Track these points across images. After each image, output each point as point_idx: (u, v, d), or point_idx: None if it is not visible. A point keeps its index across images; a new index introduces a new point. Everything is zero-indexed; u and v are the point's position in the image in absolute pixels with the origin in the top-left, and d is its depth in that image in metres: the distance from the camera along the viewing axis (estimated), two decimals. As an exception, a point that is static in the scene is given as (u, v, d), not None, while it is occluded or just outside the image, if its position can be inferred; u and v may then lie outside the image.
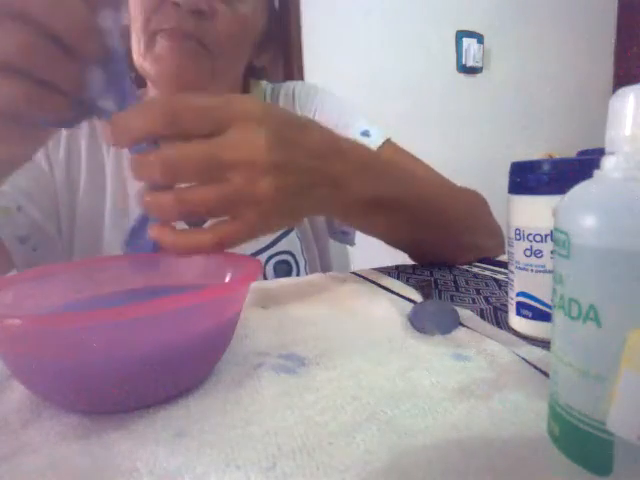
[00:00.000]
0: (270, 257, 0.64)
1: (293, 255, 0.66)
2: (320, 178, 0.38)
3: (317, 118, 0.42)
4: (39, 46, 0.28)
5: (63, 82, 0.30)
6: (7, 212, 0.55)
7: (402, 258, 0.62)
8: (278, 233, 0.65)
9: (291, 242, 0.66)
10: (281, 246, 0.65)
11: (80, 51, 0.30)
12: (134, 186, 0.63)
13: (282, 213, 0.36)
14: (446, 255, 0.57)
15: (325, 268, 0.73)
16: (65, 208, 0.62)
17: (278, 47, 0.70)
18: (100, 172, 0.63)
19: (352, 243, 0.76)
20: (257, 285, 0.47)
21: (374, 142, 0.62)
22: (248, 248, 0.63)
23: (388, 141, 0.64)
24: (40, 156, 0.61)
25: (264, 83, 0.72)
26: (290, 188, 0.35)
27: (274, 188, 0.33)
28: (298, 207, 0.38)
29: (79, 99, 0.31)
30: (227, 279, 0.33)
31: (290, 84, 0.72)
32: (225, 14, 0.54)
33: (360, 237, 0.74)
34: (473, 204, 0.59)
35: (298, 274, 0.65)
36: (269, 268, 0.64)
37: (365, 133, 0.63)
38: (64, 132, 0.62)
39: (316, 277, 0.51)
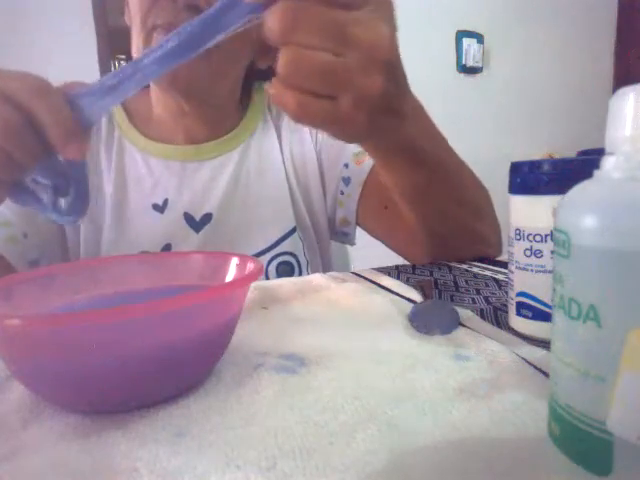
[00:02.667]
0: (273, 258, 0.64)
1: (295, 256, 0.66)
2: (398, 105, 0.37)
3: None
4: (20, 129, 0.32)
5: (27, 163, 0.33)
6: (14, 241, 0.56)
7: (402, 258, 0.62)
8: (281, 234, 0.65)
9: (293, 243, 0.66)
10: (284, 247, 0.65)
11: (53, 146, 0.33)
12: (135, 191, 0.63)
13: (368, 118, 0.34)
14: (453, 241, 0.57)
15: (326, 268, 0.73)
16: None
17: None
18: (99, 178, 0.63)
19: (352, 243, 0.76)
20: (257, 285, 0.47)
21: None
22: (249, 249, 0.63)
23: None
24: None
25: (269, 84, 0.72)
26: (390, 97, 0.34)
27: (384, 87, 0.32)
28: (374, 123, 0.36)
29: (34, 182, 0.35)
30: (227, 279, 0.33)
31: None
32: None
33: (360, 237, 0.74)
34: (486, 196, 0.60)
35: (300, 275, 0.65)
36: (272, 269, 0.64)
37: None
38: None
39: (316, 277, 0.51)
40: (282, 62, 0.31)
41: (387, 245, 0.66)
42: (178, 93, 0.60)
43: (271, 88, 0.33)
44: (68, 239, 0.62)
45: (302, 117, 0.34)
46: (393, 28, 0.33)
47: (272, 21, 0.30)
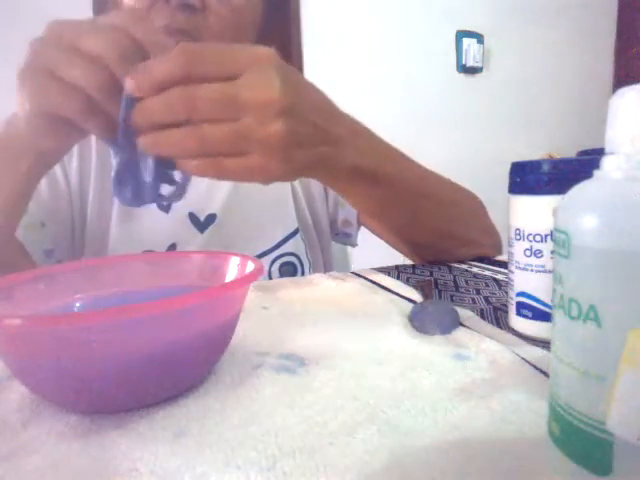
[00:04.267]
0: (276, 259, 0.65)
1: (298, 257, 0.66)
2: (322, 136, 0.40)
3: None
4: (106, 82, 0.34)
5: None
6: (33, 228, 0.58)
7: (402, 258, 0.62)
8: (284, 235, 0.65)
9: (296, 244, 0.66)
10: (287, 248, 0.65)
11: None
12: None
13: (284, 160, 0.37)
14: (440, 246, 0.57)
15: (328, 269, 0.73)
16: (78, 216, 0.63)
17: (278, 42, 0.70)
18: (108, 176, 0.63)
19: (354, 244, 0.76)
20: (257, 285, 0.47)
21: None
22: (253, 249, 0.63)
23: None
24: (57, 169, 0.62)
25: None
26: (297, 136, 0.37)
27: (284, 131, 0.35)
28: (299, 159, 0.39)
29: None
30: (227, 279, 0.33)
31: None
32: (217, 6, 0.53)
33: (360, 237, 0.74)
34: (469, 200, 0.60)
35: (303, 275, 0.66)
36: (275, 270, 0.64)
37: None
38: None
39: (316, 277, 0.51)
40: (188, 142, 0.35)
41: (391, 245, 0.67)
42: None
43: (185, 166, 0.37)
44: (75, 231, 0.63)
45: (223, 177, 0.38)
46: (282, 77, 0.35)
47: (172, 105, 0.34)
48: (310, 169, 0.42)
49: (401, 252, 0.65)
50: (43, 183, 0.61)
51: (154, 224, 0.62)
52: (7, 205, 0.45)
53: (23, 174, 0.44)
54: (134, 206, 0.39)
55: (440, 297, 0.43)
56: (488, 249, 0.60)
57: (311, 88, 0.40)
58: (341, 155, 0.42)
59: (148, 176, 0.37)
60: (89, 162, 0.64)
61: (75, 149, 0.63)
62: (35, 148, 0.41)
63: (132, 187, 0.38)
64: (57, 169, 0.62)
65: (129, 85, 0.34)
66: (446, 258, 0.58)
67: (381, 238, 0.67)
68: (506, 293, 0.38)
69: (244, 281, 0.28)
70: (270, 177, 0.39)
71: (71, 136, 0.39)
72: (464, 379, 0.26)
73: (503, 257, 0.59)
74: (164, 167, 0.37)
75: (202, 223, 0.64)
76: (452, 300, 0.42)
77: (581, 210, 0.16)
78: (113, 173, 0.38)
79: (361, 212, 0.59)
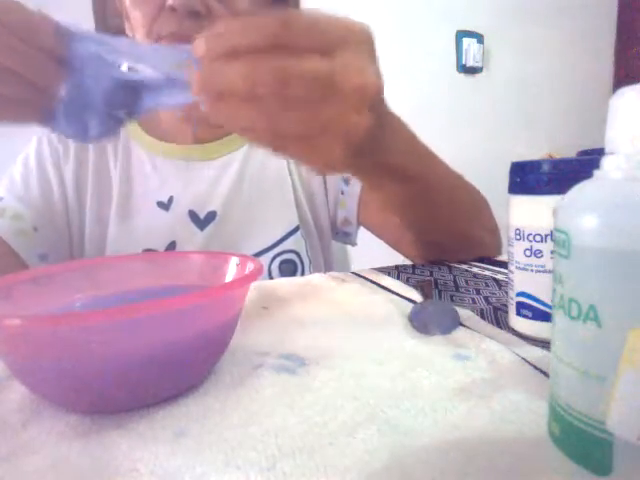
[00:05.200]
0: (276, 256, 0.65)
1: (298, 254, 0.66)
2: (379, 132, 0.37)
3: None
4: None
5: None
6: (24, 234, 0.57)
7: (402, 258, 0.62)
8: (284, 233, 0.66)
9: (296, 241, 0.66)
10: (287, 245, 0.65)
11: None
12: (141, 188, 0.63)
13: (352, 153, 0.35)
14: (449, 246, 0.57)
15: (328, 267, 0.73)
16: (75, 219, 0.63)
17: None
18: (106, 175, 0.64)
19: (354, 243, 0.76)
20: (257, 285, 0.47)
21: None
22: (253, 247, 0.63)
23: None
24: (50, 173, 0.62)
25: None
26: (374, 130, 0.34)
27: (369, 124, 0.33)
28: (361, 152, 0.36)
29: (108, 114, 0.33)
30: (227, 279, 0.33)
31: None
32: (221, 12, 0.54)
33: (360, 237, 0.74)
34: (480, 201, 0.60)
35: (303, 273, 0.66)
36: (275, 267, 0.64)
37: None
38: (73, 141, 0.63)
39: (316, 277, 0.51)
40: (262, 119, 0.31)
41: (390, 245, 0.67)
42: None
43: (247, 136, 0.33)
44: (73, 236, 0.63)
45: (280, 154, 0.34)
46: (377, 65, 0.33)
47: (263, 76, 0.30)
48: (358, 162, 0.40)
49: (401, 253, 0.65)
50: (35, 187, 0.61)
51: (153, 222, 0.63)
52: None
53: None
54: (77, 141, 0.35)
55: (440, 297, 0.43)
56: (491, 249, 0.60)
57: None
58: (380, 150, 0.41)
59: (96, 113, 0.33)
60: (86, 164, 0.64)
61: (72, 152, 0.63)
62: None
63: (76, 120, 0.34)
64: (51, 174, 0.62)
65: (198, 47, 0.30)
66: (451, 258, 0.58)
67: (381, 238, 0.67)
68: (506, 293, 0.38)
69: (244, 281, 0.28)
70: (331, 166, 0.36)
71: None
72: (464, 379, 0.26)
73: (503, 257, 0.59)
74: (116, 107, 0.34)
75: (202, 221, 0.64)
76: (452, 300, 0.42)
77: (581, 210, 0.16)
78: (60, 104, 0.33)
79: (384, 207, 0.57)
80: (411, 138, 0.47)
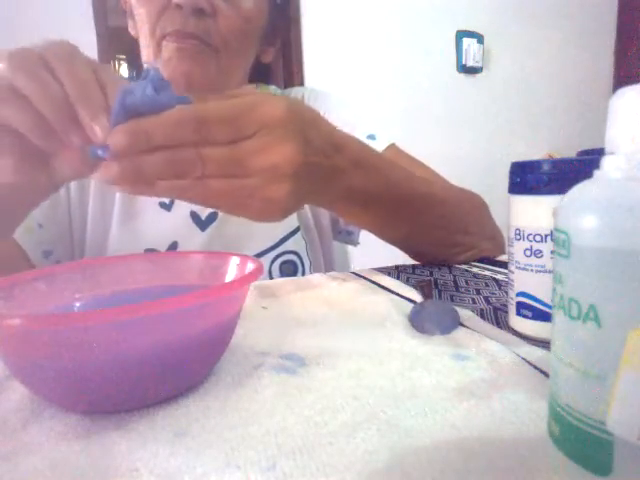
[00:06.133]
0: (276, 257, 0.65)
1: (299, 255, 0.66)
2: (323, 172, 0.39)
3: None
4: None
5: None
6: (30, 230, 0.58)
7: (402, 258, 0.62)
8: (284, 233, 0.66)
9: (297, 242, 0.66)
10: (287, 246, 0.65)
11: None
12: None
13: (284, 210, 0.38)
14: (442, 254, 0.57)
15: (329, 268, 0.73)
16: (78, 216, 0.63)
17: (282, 40, 0.71)
18: None
19: (356, 243, 0.76)
20: (257, 285, 0.47)
21: (378, 146, 0.62)
22: (254, 248, 0.63)
23: (392, 145, 0.64)
24: None
25: (273, 88, 0.73)
26: (301, 191, 0.37)
27: (289, 192, 0.36)
28: (298, 206, 0.40)
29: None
30: (227, 279, 0.33)
31: (299, 89, 0.73)
32: (226, 11, 0.55)
33: (360, 237, 0.74)
34: (472, 206, 0.60)
35: (304, 274, 0.66)
36: (275, 268, 0.64)
37: (370, 137, 0.64)
38: None
39: (316, 277, 0.51)
40: (193, 192, 0.34)
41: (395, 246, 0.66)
42: (193, 92, 0.60)
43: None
44: (75, 234, 0.63)
45: (224, 212, 0.38)
46: (295, 136, 0.35)
47: (178, 164, 0.33)
48: (307, 200, 0.43)
49: (404, 251, 0.65)
50: None
51: (155, 222, 0.63)
52: None
53: None
54: None
55: (440, 297, 0.43)
56: (490, 251, 0.60)
57: (316, 124, 0.39)
58: (340, 184, 0.42)
59: None
60: None
61: None
62: None
63: None
64: None
65: (117, 141, 0.31)
66: (449, 262, 0.58)
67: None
68: (506, 293, 0.38)
69: (244, 281, 0.28)
70: (267, 221, 0.40)
71: (25, 172, 0.35)
72: (464, 379, 0.26)
73: (503, 257, 0.59)
74: None
75: (203, 221, 0.64)
76: (452, 300, 0.42)
77: (581, 210, 0.16)
78: None
79: (363, 228, 0.58)
80: (376, 166, 0.47)
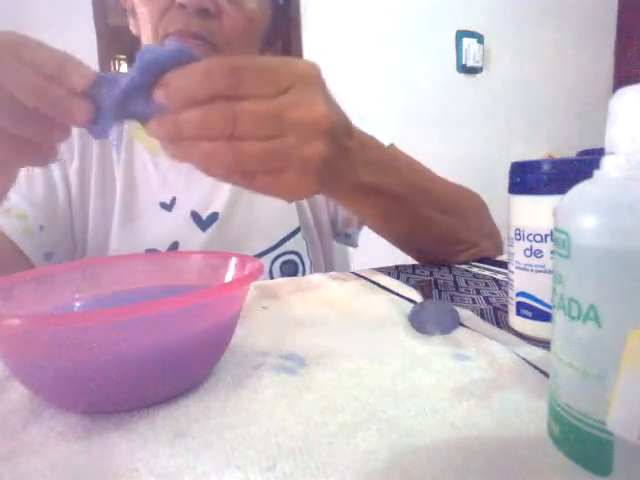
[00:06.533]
0: (277, 257, 0.65)
1: (300, 255, 0.66)
2: (341, 152, 0.39)
3: None
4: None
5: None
6: (31, 232, 0.58)
7: (402, 258, 0.62)
8: (285, 234, 0.66)
9: (297, 243, 0.66)
10: (288, 246, 0.65)
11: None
12: (144, 189, 0.63)
13: (316, 180, 0.37)
14: (444, 251, 0.57)
15: (329, 268, 0.73)
16: (79, 217, 0.63)
17: (283, 40, 0.71)
18: (110, 176, 0.64)
19: (355, 245, 0.76)
20: (257, 285, 0.47)
21: None
22: (254, 248, 0.63)
23: (392, 145, 0.64)
24: (55, 171, 0.62)
25: None
26: (332, 156, 0.36)
27: (325, 151, 0.35)
28: (327, 178, 0.38)
29: (102, 111, 0.32)
30: (227, 279, 0.33)
31: None
32: (230, 11, 0.54)
33: (361, 237, 0.74)
34: (471, 203, 0.60)
35: (304, 274, 0.66)
36: (276, 268, 0.65)
37: None
38: (77, 143, 0.63)
39: (316, 277, 0.51)
40: (226, 158, 0.33)
41: (395, 245, 0.66)
42: None
43: (214, 175, 0.36)
44: (76, 235, 0.63)
45: (252, 189, 0.37)
46: (326, 97, 0.35)
47: (212, 121, 0.32)
48: (328, 186, 0.42)
49: (404, 251, 0.65)
50: (40, 186, 0.61)
51: (156, 223, 0.63)
52: None
53: None
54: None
55: (440, 297, 0.43)
56: (490, 250, 0.60)
57: (338, 106, 0.40)
58: (350, 169, 0.42)
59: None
60: (90, 163, 0.64)
61: (76, 151, 0.63)
62: None
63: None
64: (55, 171, 0.62)
65: (159, 96, 0.32)
66: (449, 261, 0.58)
67: (382, 237, 0.67)
68: (506, 293, 0.38)
69: (244, 281, 0.28)
70: (299, 195, 0.39)
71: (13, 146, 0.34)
72: (464, 379, 0.26)
73: (503, 257, 0.59)
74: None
75: (204, 222, 0.64)
76: (452, 300, 0.42)
77: (581, 210, 0.16)
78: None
79: (366, 222, 0.59)
80: (380, 151, 0.48)
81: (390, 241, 0.62)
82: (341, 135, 0.38)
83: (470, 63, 2.30)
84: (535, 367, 0.27)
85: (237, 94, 0.32)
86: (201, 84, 0.32)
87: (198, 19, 0.52)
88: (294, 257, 0.66)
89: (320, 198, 0.70)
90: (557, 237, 0.17)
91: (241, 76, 0.32)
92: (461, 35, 2.28)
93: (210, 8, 0.52)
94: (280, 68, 0.34)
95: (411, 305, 0.38)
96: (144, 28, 0.56)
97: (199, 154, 0.33)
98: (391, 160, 0.49)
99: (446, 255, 0.57)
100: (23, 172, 0.63)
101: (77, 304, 0.33)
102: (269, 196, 0.38)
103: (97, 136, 0.34)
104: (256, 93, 0.33)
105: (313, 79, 0.35)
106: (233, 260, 0.33)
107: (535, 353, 0.29)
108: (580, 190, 0.17)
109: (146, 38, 0.56)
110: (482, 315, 0.37)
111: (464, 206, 0.58)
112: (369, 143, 0.46)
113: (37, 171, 0.62)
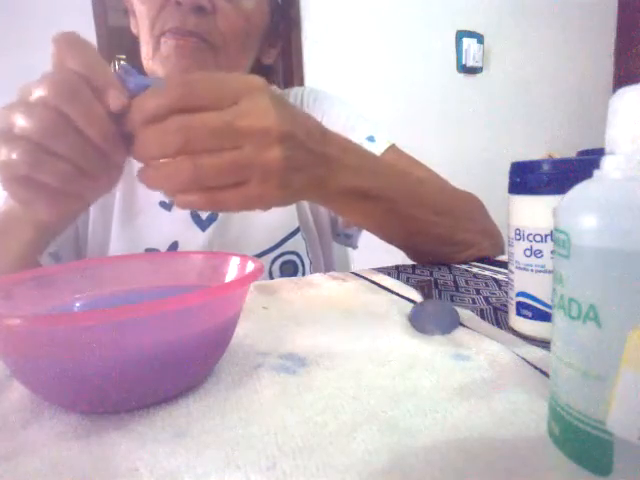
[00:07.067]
0: (277, 257, 0.65)
1: (299, 255, 0.66)
2: (316, 159, 0.40)
3: (324, 122, 0.43)
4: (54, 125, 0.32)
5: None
6: None
7: (402, 258, 0.62)
8: (285, 234, 0.66)
9: (297, 243, 0.66)
10: (287, 247, 0.65)
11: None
12: (143, 188, 0.63)
13: (282, 186, 0.37)
14: (443, 252, 0.57)
15: (329, 268, 0.73)
16: (80, 221, 0.63)
17: (284, 42, 0.71)
18: None
19: (355, 246, 0.76)
20: (257, 285, 0.47)
21: (378, 147, 0.62)
22: (254, 248, 0.63)
23: (392, 146, 0.64)
24: None
25: (273, 88, 0.73)
26: (295, 161, 0.37)
27: (284, 157, 0.35)
28: (296, 184, 0.39)
29: None
30: (227, 279, 0.33)
31: (299, 89, 0.73)
32: (226, 9, 0.54)
33: (361, 237, 0.74)
34: (468, 205, 0.60)
35: (304, 274, 0.66)
36: (276, 268, 0.65)
37: (370, 139, 0.64)
38: None
39: (316, 277, 0.51)
40: (185, 175, 0.34)
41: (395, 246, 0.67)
42: None
43: (182, 202, 0.36)
44: (79, 234, 0.63)
45: (221, 209, 0.38)
46: (278, 105, 0.36)
47: (167, 136, 0.33)
48: (305, 192, 0.43)
49: (404, 251, 0.65)
50: None
51: (156, 222, 0.63)
52: (18, 265, 0.46)
53: (27, 243, 0.44)
54: None
55: (440, 297, 0.43)
56: (490, 250, 0.60)
57: (301, 113, 0.40)
58: (334, 175, 0.42)
59: None
60: None
61: None
62: (31, 219, 0.41)
63: None
64: None
65: (128, 120, 0.33)
66: (448, 262, 0.58)
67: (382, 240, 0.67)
68: (506, 293, 0.38)
69: (244, 281, 0.28)
70: (268, 204, 0.39)
71: (63, 201, 0.36)
72: (464, 379, 0.26)
73: (503, 257, 0.59)
74: None
75: (204, 221, 0.64)
76: (452, 300, 0.42)
77: (581, 210, 0.16)
78: None
79: (360, 227, 0.58)
80: (367, 158, 0.48)
81: (388, 243, 0.62)
82: (308, 141, 0.38)
83: (470, 63, 2.31)
84: (535, 367, 0.27)
85: (188, 109, 0.33)
86: (155, 104, 0.33)
87: (194, 16, 0.52)
88: (294, 257, 0.66)
89: None
90: (557, 237, 0.17)
91: (191, 92, 0.33)
92: (461, 35, 2.28)
93: (205, 5, 0.52)
94: (228, 81, 0.35)
95: (411, 305, 0.38)
96: (142, 26, 0.56)
97: (161, 175, 0.35)
98: (379, 165, 0.49)
99: (444, 256, 0.57)
100: None
101: (77, 304, 0.33)
102: (240, 211, 0.39)
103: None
104: (205, 107, 0.34)
105: (259, 88, 0.36)
106: (233, 260, 0.33)
107: (535, 353, 0.29)
108: (580, 190, 0.17)
109: (144, 36, 0.56)
110: (482, 315, 0.37)
111: (460, 207, 0.58)
112: (352, 148, 0.46)
113: None
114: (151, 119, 0.33)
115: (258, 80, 0.36)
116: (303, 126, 0.38)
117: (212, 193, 0.36)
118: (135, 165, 0.68)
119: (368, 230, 0.56)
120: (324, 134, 0.42)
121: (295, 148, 0.37)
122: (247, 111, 0.34)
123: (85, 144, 0.33)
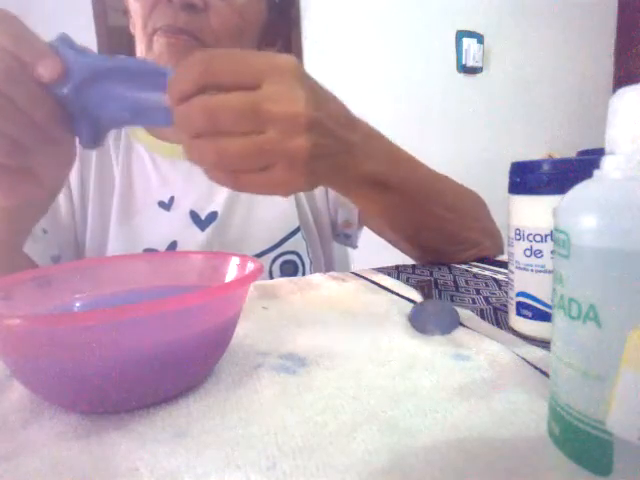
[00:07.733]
0: (277, 257, 0.65)
1: (299, 255, 0.66)
2: (341, 145, 0.39)
3: None
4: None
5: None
6: (35, 238, 0.58)
7: (402, 258, 0.62)
8: (285, 233, 0.66)
9: (297, 242, 0.66)
10: (287, 246, 0.65)
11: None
12: (142, 188, 0.64)
13: (307, 173, 0.36)
14: (449, 250, 0.57)
15: (329, 268, 0.73)
16: (79, 217, 0.63)
17: (283, 41, 0.71)
18: (109, 176, 0.64)
19: (354, 246, 0.76)
20: (257, 285, 0.47)
21: None
22: (254, 248, 0.63)
23: None
24: None
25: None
26: (322, 148, 0.36)
27: (309, 145, 0.34)
28: (320, 170, 0.38)
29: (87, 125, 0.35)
30: (227, 279, 0.33)
31: None
32: (219, 6, 0.54)
33: (361, 237, 0.74)
34: (473, 202, 0.60)
35: (304, 274, 0.66)
36: (276, 268, 0.64)
37: None
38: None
39: (316, 277, 0.51)
40: (210, 156, 0.34)
41: (392, 244, 0.67)
42: None
43: (210, 176, 0.36)
44: (78, 235, 0.63)
45: (243, 190, 0.37)
46: (307, 90, 0.35)
47: (190, 120, 0.33)
48: (327, 178, 0.42)
49: (403, 251, 0.65)
50: None
51: (154, 222, 0.63)
52: None
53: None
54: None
55: (440, 297, 0.43)
56: (490, 250, 0.60)
57: (329, 97, 0.39)
58: (356, 162, 0.42)
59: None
60: (89, 163, 0.64)
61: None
62: None
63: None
64: None
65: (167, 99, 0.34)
66: (450, 261, 0.58)
67: (383, 237, 0.67)
68: (506, 293, 0.38)
69: (244, 281, 0.28)
70: (292, 190, 0.38)
71: (14, 180, 0.35)
72: (464, 379, 0.26)
73: (503, 257, 0.59)
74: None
75: (203, 221, 0.64)
76: (452, 300, 0.42)
77: (581, 210, 0.16)
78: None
79: (372, 217, 0.58)
80: (386, 145, 0.47)
81: (393, 240, 0.62)
82: (335, 127, 0.38)
83: (470, 63, 2.31)
84: (535, 367, 0.27)
85: (212, 82, 0.32)
86: (187, 80, 0.32)
87: (185, 14, 0.52)
88: (294, 257, 0.66)
89: (320, 198, 0.70)
90: (557, 237, 0.17)
91: (215, 68, 0.32)
92: (461, 35, 2.28)
93: (197, 3, 0.51)
94: (255, 59, 0.34)
95: (411, 305, 0.38)
96: (136, 24, 0.56)
97: (190, 151, 0.34)
98: (400, 153, 0.49)
99: (448, 254, 0.57)
100: None
101: (77, 304, 0.33)
102: (263, 195, 0.39)
103: (86, 146, 0.36)
104: (230, 85, 0.33)
105: (289, 71, 0.34)
106: (233, 260, 0.33)
107: (535, 353, 0.29)
108: (580, 190, 0.17)
109: (138, 35, 0.56)
110: (482, 315, 0.37)
111: (466, 204, 0.58)
112: (376, 135, 0.46)
113: None
114: (180, 98, 0.33)
115: (288, 60, 0.34)
116: (331, 112, 0.38)
117: (237, 174, 0.35)
118: (134, 164, 0.68)
119: (380, 221, 0.56)
120: (350, 120, 0.41)
121: (322, 135, 0.36)
122: (274, 94, 0.33)
123: (18, 117, 0.32)
